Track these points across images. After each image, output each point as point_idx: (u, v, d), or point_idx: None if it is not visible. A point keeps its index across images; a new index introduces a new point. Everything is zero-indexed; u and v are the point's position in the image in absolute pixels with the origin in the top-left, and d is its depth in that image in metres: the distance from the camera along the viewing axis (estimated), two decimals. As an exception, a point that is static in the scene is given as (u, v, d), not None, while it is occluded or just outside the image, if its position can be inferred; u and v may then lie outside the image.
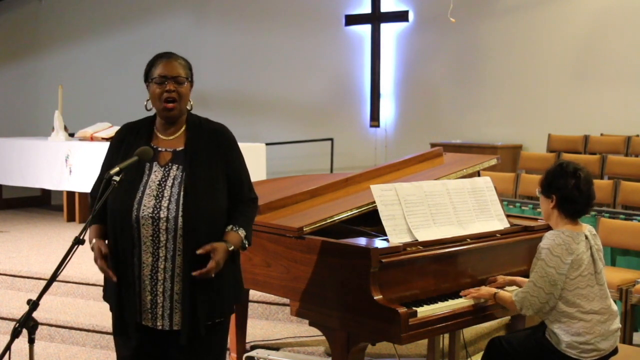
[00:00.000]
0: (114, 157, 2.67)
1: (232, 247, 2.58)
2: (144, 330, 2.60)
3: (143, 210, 2.52)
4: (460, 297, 3.17)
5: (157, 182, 2.57)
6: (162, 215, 2.51)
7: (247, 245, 2.67)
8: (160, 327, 2.57)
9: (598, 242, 3.16)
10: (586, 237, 3.08)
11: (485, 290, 3.18)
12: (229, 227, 2.62)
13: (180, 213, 2.51)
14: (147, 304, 2.57)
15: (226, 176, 2.63)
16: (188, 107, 2.70)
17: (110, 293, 2.64)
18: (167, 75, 2.59)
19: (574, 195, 3.06)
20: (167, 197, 2.53)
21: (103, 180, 2.51)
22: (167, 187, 2.56)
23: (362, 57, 10.43)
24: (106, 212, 2.58)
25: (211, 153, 2.62)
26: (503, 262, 3.49)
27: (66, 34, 12.89)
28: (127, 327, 2.59)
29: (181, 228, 2.51)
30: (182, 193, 2.53)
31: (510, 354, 3.17)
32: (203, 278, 2.50)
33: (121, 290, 2.57)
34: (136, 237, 2.54)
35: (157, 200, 2.53)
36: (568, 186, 3.06)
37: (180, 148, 2.63)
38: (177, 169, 2.59)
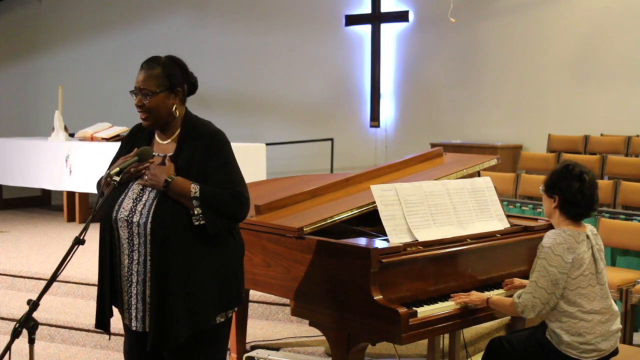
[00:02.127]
0: (119, 156, 2.72)
1: (171, 179, 2.50)
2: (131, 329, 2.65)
3: (121, 212, 2.56)
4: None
5: (141, 187, 2.59)
6: (134, 219, 2.53)
7: (195, 210, 2.50)
8: (134, 328, 2.60)
9: (599, 241, 3.16)
10: (587, 237, 3.07)
11: (476, 295, 3.14)
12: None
13: (150, 219, 2.51)
14: (124, 304, 2.62)
15: (205, 180, 2.57)
16: (177, 114, 2.65)
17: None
18: (135, 88, 2.61)
19: (577, 199, 3.04)
20: (144, 202, 2.55)
21: (104, 180, 2.55)
22: (146, 191, 2.58)
23: (362, 57, 10.44)
24: None
25: (191, 159, 2.60)
26: (503, 262, 3.48)
27: (66, 34, 12.89)
28: (105, 322, 2.64)
29: (149, 234, 2.51)
30: (156, 199, 2.54)
31: (510, 354, 3.17)
32: (144, 177, 2.54)
33: (103, 287, 2.63)
34: (116, 238, 2.58)
35: (134, 204, 2.56)
36: (571, 189, 3.04)
37: (170, 154, 2.64)
38: None
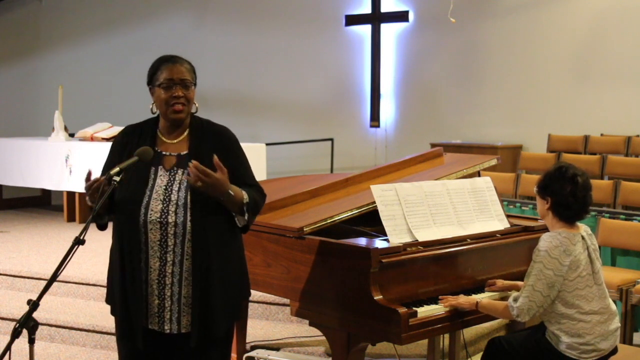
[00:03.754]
0: (115, 160, 2.66)
1: (232, 193, 2.51)
2: (149, 334, 2.60)
3: (151, 215, 2.52)
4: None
5: (164, 187, 2.56)
6: (170, 220, 2.51)
7: (245, 216, 2.56)
8: (168, 331, 2.57)
9: (594, 241, 3.15)
10: (582, 238, 3.07)
11: (464, 299, 3.10)
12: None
13: (189, 217, 2.51)
14: (154, 308, 2.57)
15: (230, 178, 2.60)
16: (193, 110, 2.69)
17: (115, 297, 2.63)
18: (175, 79, 2.58)
19: (569, 202, 3.03)
20: (175, 202, 2.53)
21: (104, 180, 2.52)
22: (173, 191, 2.55)
23: (362, 57, 10.44)
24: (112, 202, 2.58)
25: (220, 159, 2.60)
26: (503, 262, 3.49)
27: (66, 34, 12.89)
28: (133, 331, 2.58)
29: (190, 232, 2.51)
30: (189, 197, 2.53)
31: (510, 354, 3.17)
32: (197, 183, 2.43)
33: (128, 295, 2.57)
34: (143, 242, 2.54)
35: (165, 205, 2.53)
36: (564, 192, 3.03)
37: (185, 152, 2.62)
38: (182, 174, 2.58)
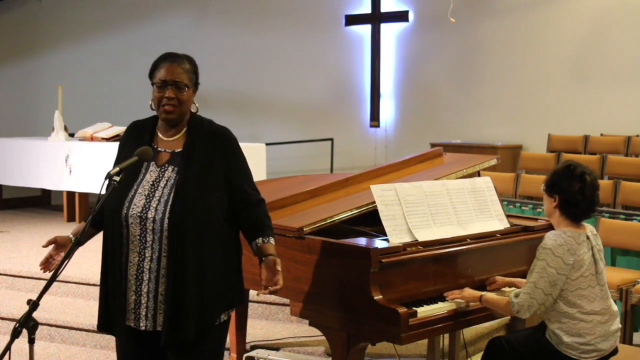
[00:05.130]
0: (119, 156, 2.69)
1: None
2: (135, 331, 2.59)
3: (132, 209, 2.52)
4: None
5: (151, 182, 2.57)
6: (149, 215, 2.51)
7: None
8: (143, 328, 2.56)
9: (599, 242, 3.16)
10: (587, 238, 3.07)
11: (469, 292, 3.12)
12: (260, 240, 2.63)
13: (167, 214, 2.50)
14: (130, 304, 2.56)
15: (225, 179, 2.60)
16: (193, 110, 2.68)
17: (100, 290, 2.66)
18: (168, 80, 2.57)
19: (577, 200, 3.04)
20: (157, 198, 2.53)
21: (104, 180, 2.53)
22: (159, 187, 2.55)
23: (362, 57, 10.44)
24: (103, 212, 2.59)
25: (209, 156, 2.60)
26: (503, 262, 3.49)
27: (66, 34, 12.89)
28: (112, 325, 2.60)
29: (167, 230, 2.50)
30: (172, 194, 2.52)
31: (510, 354, 3.17)
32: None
33: (109, 288, 2.59)
34: (125, 236, 2.54)
35: (147, 200, 2.53)
36: (572, 190, 3.04)
37: (179, 150, 2.62)
38: (172, 171, 2.58)
